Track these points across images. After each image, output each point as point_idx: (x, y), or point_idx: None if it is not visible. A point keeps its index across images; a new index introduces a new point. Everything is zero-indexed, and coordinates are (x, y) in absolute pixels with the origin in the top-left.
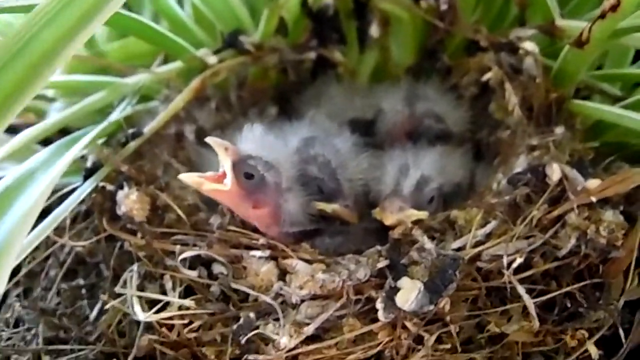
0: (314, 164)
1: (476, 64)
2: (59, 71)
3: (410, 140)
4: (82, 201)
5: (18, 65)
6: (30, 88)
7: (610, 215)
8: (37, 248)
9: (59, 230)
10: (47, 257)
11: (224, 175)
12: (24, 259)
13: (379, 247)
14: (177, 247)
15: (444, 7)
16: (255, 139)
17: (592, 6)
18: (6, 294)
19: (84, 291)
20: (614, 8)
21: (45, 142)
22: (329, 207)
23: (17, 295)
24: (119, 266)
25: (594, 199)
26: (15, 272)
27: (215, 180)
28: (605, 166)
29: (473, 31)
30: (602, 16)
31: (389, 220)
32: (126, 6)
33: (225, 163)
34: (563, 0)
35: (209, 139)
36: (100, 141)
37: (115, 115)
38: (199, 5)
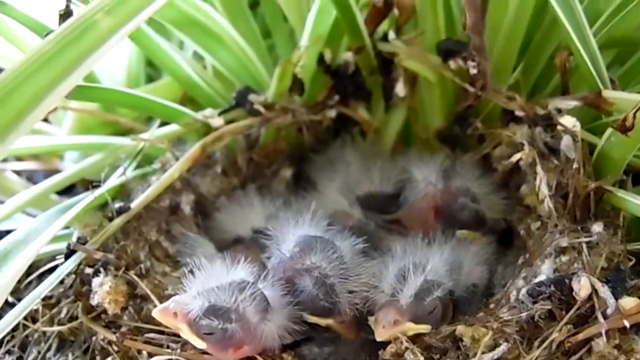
0: (307, 276)
1: (508, 138)
2: (68, 128)
3: (438, 219)
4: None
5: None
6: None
7: None
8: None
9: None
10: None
11: None
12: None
13: None
14: (146, 350)
15: (473, 71)
16: (199, 281)
17: None
18: None
19: None
20: None
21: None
22: (323, 322)
23: None
24: (101, 352)
25: (627, 324)
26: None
27: None
28: None
29: (506, 98)
30: None
31: (381, 336)
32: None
33: (184, 330)
34: (617, 61)
35: (154, 313)
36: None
37: (109, 184)
38: (215, 64)
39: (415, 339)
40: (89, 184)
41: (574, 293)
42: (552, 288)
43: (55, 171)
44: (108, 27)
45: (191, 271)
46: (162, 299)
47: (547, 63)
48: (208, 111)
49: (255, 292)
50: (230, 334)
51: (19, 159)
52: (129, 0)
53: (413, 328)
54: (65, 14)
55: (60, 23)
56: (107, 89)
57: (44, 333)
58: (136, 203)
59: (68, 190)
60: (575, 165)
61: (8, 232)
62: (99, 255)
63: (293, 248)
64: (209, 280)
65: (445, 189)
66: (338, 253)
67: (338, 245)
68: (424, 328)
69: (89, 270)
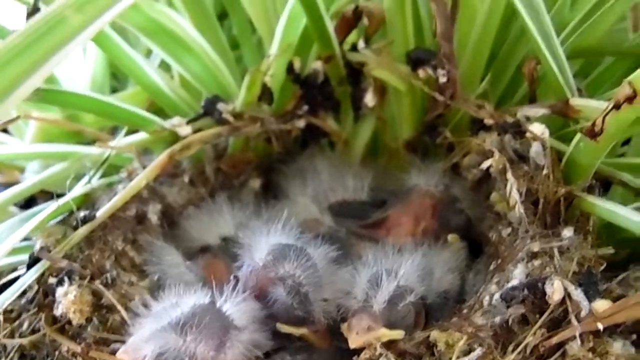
0: (281, 285)
1: (478, 146)
2: (30, 139)
3: (435, 217)
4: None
5: None
6: None
7: (619, 347)
8: None
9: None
10: None
11: None
12: None
13: None
14: None
15: (442, 79)
16: (151, 318)
17: (613, 81)
18: None
19: None
20: (630, 100)
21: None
22: (297, 331)
23: None
24: None
25: (600, 326)
26: None
27: None
28: (621, 280)
29: (476, 107)
30: (617, 107)
31: (354, 343)
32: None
33: None
34: (581, 74)
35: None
36: (56, 220)
37: (73, 193)
38: (182, 74)
39: (389, 345)
40: (50, 197)
41: (547, 297)
42: (526, 292)
43: (15, 183)
44: (78, 24)
45: (144, 304)
46: (129, 309)
47: (514, 73)
48: (176, 119)
49: (207, 323)
50: None
51: None
52: None
53: (387, 334)
54: (33, 12)
55: (27, 20)
56: (74, 93)
57: (5, 348)
58: (102, 211)
59: (28, 205)
60: (545, 172)
61: None
62: (63, 263)
63: (266, 256)
64: (160, 316)
65: (446, 191)
66: (312, 261)
67: (311, 253)
68: (397, 334)
69: (52, 280)
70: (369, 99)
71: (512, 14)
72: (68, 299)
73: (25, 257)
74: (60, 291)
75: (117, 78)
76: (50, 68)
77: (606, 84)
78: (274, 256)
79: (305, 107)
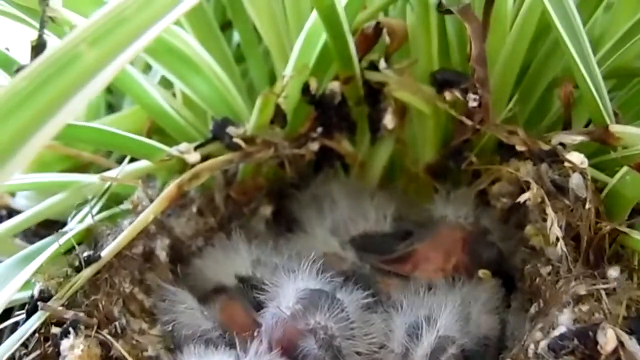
0: (312, 337)
1: (509, 174)
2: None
3: (465, 250)
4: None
5: None
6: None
7: None
8: None
9: None
10: None
11: None
12: None
13: None
14: None
15: (473, 104)
16: None
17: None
18: None
19: None
20: None
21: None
22: None
23: None
24: None
25: None
26: None
27: None
28: None
29: (507, 132)
30: None
31: None
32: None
33: None
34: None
35: None
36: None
37: (74, 228)
38: (187, 92)
39: None
40: (43, 223)
41: (598, 346)
42: (576, 341)
43: (5, 208)
44: (94, 60)
45: None
46: None
47: (542, 95)
48: (183, 146)
49: None
50: None
51: None
52: (116, 30)
53: None
54: (38, 46)
55: (32, 57)
56: (71, 125)
57: None
58: (107, 251)
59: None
60: (587, 205)
61: None
62: (69, 314)
63: (294, 305)
64: None
65: (476, 223)
66: (345, 310)
67: (342, 300)
68: None
69: (55, 330)
70: (388, 120)
71: (541, 33)
72: (75, 354)
73: (23, 295)
74: (65, 344)
75: (111, 92)
76: (64, 118)
77: (636, 107)
78: (303, 305)
79: (320, 129)
